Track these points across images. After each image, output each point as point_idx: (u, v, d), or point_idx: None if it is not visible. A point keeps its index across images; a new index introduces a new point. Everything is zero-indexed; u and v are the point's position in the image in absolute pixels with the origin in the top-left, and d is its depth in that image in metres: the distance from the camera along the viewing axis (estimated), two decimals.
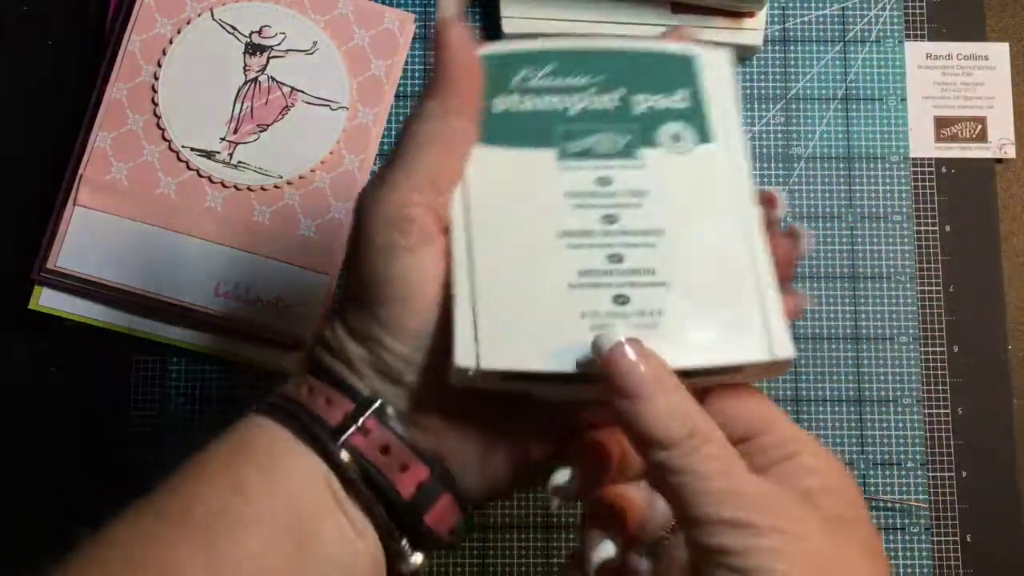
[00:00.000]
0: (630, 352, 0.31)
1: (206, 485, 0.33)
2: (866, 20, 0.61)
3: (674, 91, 0.37)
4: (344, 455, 0.33)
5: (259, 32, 0.58)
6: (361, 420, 0.33)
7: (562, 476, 0.34)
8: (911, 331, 0.57)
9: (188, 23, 0.57)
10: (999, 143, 0.59)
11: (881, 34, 0.61)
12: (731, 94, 0.38)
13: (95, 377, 0.57)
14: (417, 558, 0.34)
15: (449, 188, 0.34)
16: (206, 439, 0.35)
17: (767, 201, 0.36)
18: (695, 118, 0.37)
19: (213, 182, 0.56)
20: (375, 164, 0.58)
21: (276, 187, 0.56)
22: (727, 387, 0.33)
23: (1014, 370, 0.57)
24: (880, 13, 0.61)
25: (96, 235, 0.55)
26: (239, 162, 0.56)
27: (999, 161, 0.60)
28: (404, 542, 0.34)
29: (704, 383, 0.33)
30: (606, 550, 0.35)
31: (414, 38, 0.60)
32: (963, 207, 0.59)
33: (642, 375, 0.31)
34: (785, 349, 0.33)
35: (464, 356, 0.32)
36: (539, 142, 0.36)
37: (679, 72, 0.38)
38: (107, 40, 0.58)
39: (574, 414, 0.36)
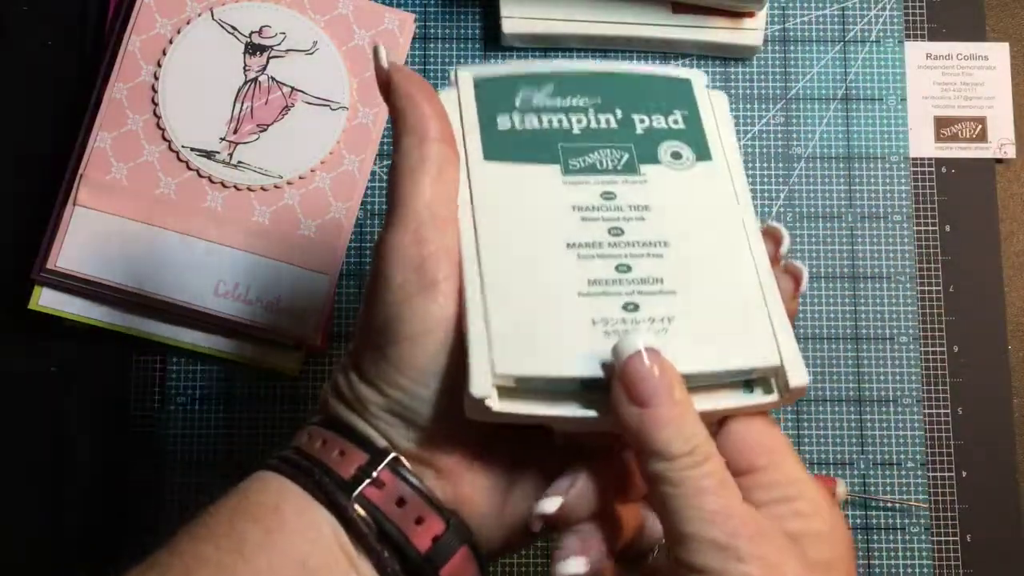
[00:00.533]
0: (647, 359, 0.31)
1: (210, 546, 0.32)
2: (866, 20, 0.61)
3: (672, 111, 0.38)
4: (358, 509, 0.33)
5: (259, 32, 0.58)
6: (375, 472, 0.33)
7: (551, 504, 0.33)
8: (911, 331, 0.57)
9: (188, 23, 0.57)
10: (999, 143, 0.59)
11: (881, 34, 0.61)
12: (725, 115, 0.39)
13: (95, 377, 0.57)
14: None
15: (451, 214, 0.35)
16: (210, 488, 0.35)
17: (771, 237, 0.37)
18: (693, 137, 0.38)
19: (213, 182, 0.56)
20: (375, 164, 0.58)
21: (276, 187, 0.56)
22: (744, 415, 0.34)
23: (1014, 370, 0.57)
24: (880, 13, 0.61)
25: (96, 235, 0.55)
26: (239, 162, 0.56)
27: (999, 161, 0.60)
28: None
29: (719, 411, 0.33)
30: (575, 567, 0.33)
31: (414, 38, 0.60)
32: (963, 207, 0.59)
33: (656, 384, 0.31)
34: (798, 375, 0.33)
35: (479, 386, 0.32)
36: (544, 158, 0.36)
37: (676, 94, 0.39)
38: (107, 40, 0.58)
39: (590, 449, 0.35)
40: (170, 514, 0.55)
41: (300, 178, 0.57)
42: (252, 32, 0.58)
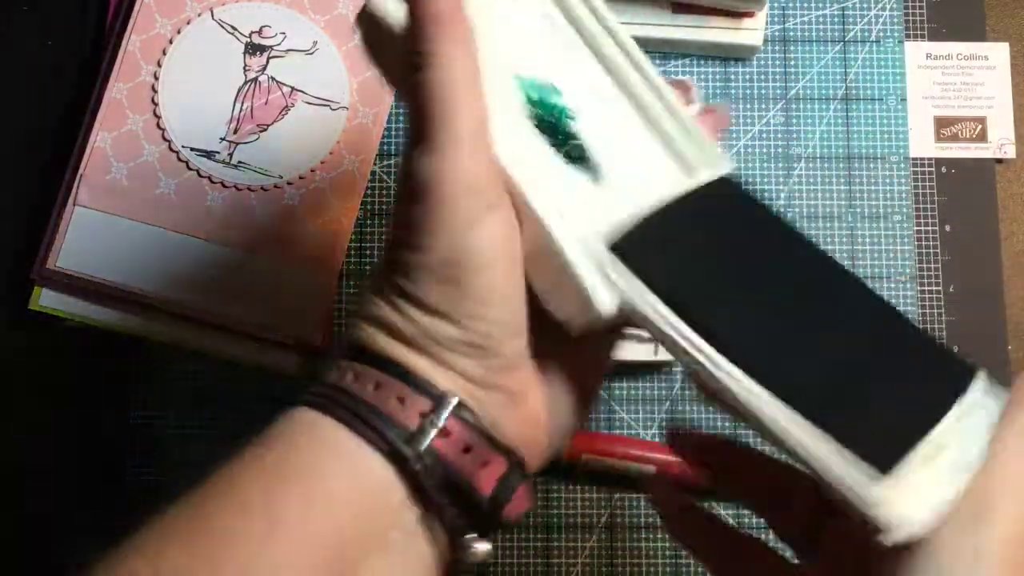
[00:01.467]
0: None
1: (241, 517, 0.30)
2: (866, 20, 0.61)
3: None
4: (425, 461, 0.31)
5: (259, 32, 0.58)
6: (442, 422, 0.31)
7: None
8: None
9: (188, 23, 0.57)
10: (999, 143, 0.59)
11: (881, 34, 0.61)
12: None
13: (95, 377, 0.57)
14: (485, 546, 0.32)
15: (488, 130, 0.32)
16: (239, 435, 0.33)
17: (681, 87, 0.37)
18: None
19: (213, 182, 0.56)
20: (375, 164, 0.58)
21: (276, 187, 0.56)
22: None
23: (1014, 370, 0.57)
24: (880, 13, 0.61)
25: (96, 235, 0.55)
26: (239, 162, 0.56)
27: (999, 161, 0.60)
28: (473, 535, 0.32)
29: None
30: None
31: None
32: (963, 207, 0.59)
33: None
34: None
35: (603, 301, 0.31)
36: None
37: None
38: (107, 40, 0.58)
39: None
40: None
41: (300, 178, 0.57)
42: (252, 32, 0.58)
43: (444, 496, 0.31)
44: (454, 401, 0.31)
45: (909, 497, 0.30)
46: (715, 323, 0.32)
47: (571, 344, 0.33)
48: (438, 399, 0.31)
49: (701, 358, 0.31)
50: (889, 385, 0.33)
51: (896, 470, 0.30)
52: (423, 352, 0.32)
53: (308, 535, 0.30)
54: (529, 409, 0.33)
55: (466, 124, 0.31)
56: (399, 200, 0.32)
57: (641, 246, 0.33)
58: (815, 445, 0.30)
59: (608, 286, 0.32)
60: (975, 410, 0.32)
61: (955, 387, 0.33)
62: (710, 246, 0.35)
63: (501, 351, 0.32)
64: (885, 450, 0.30)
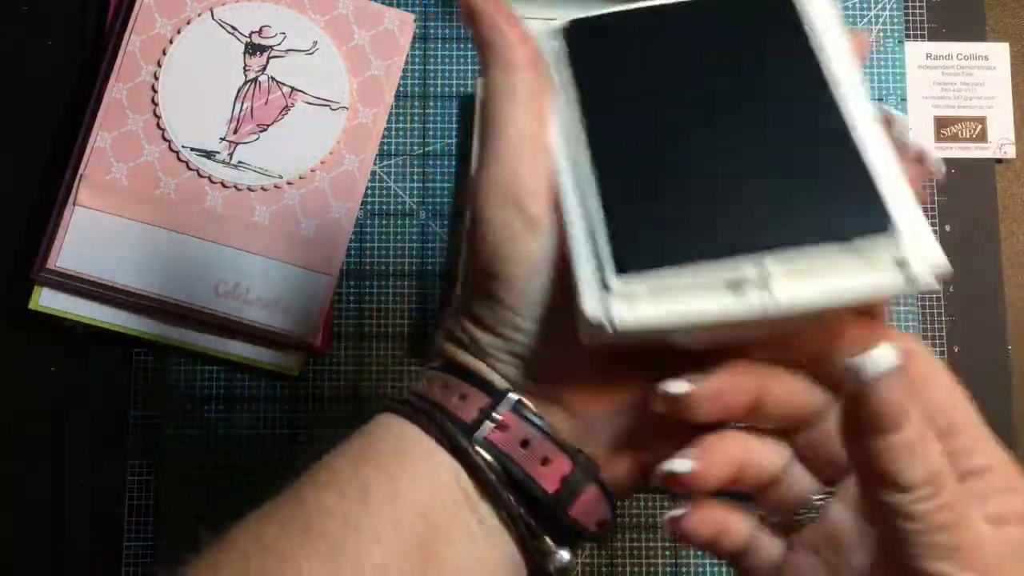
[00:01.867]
0: (897, 382, 0.27)
1: (332, 494, 0.32)
2: (866, 20, 0.61)
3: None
4: (482, 453, 0.32)
5: (259, 32, 0.58)
6: (497, 414, 0.32)
7: (679, 386, 0.31)
8: (911, 331, 0.57)
9: (188, 23, 0.57)
10: (999, 143, 0.59)
11: (881, 34, 0.61)
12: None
13: (95, 377, 0.57)
14: (564, 555, 0.33)
15: (543, 143, 0.33)
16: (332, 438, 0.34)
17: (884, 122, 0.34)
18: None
19: (213, 182, 0.56)
20: (375, 164, 0.58)
21: (276, 187, 0.56)
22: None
23: (1014, 370, 0.57)
24: (880, 13, 0.61)
25: (96, 235, 0.55)
26: (239, 162, 0.56)
27: (999, 161, 0.60)
28: (548, 540, 0.33)
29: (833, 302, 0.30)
30: (681, 465, 0.32)
31: (414, 38, 0.60)
32: (963, 207, 0.59)
33: (902, 407, 0.27)
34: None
35: (592, 305, 0.30)
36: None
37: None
38: (107, 40, 0.58)
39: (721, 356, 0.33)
40: (170, 513, 0.55)
41: (300, 178, 0.57)
42: (252, 32, 0.58)
43: (508, 491, 0.32)
44: (511, 396, 0.33)
45: (616, 306, 0.30)
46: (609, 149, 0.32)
47: (628, 363, 0.33)
48: (495, 395, 0.33)
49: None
50: (735, 199, 0.31)
51: (637, 276, 0.30)
52: (482, 359, 0.33)
53: (395, 516, 0.31)
54: (585, 422, 0.33)
55: (515, 144, 0.32)
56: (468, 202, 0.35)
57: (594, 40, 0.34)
58: (577, 222, 0.31)
59: (600, 297, 0.30)
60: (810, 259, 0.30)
61: (839, 230, 0.31)
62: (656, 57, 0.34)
63: (542, 362, 0.33)
64: (644, 255, 0.30)
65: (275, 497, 0.33)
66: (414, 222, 0.58)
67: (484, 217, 0.32)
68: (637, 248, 0.30)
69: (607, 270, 0.30)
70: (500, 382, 0.33)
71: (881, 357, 0.27)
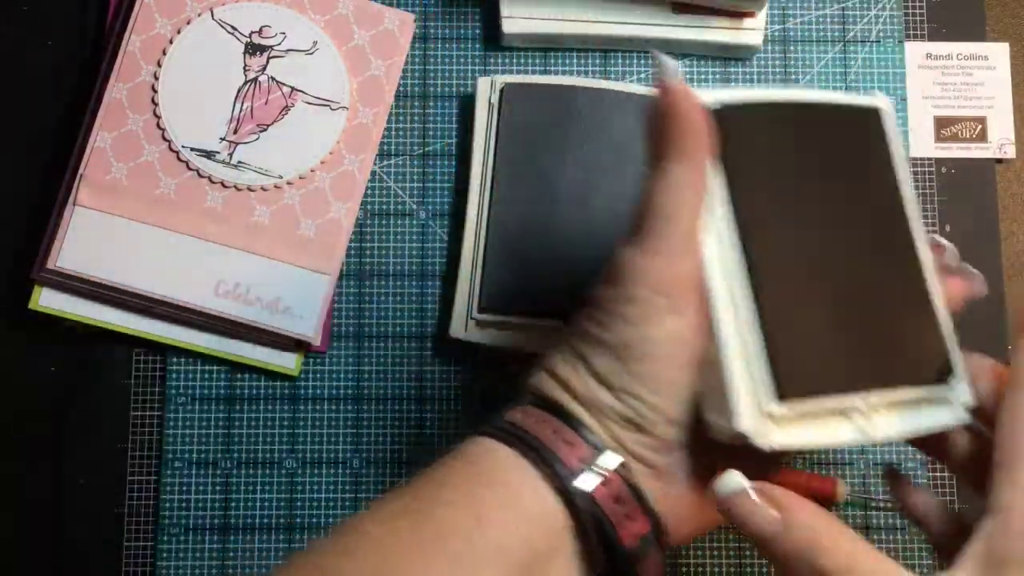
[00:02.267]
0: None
1: (450, 509, 0.34)
2: (866, 20, 0.61)
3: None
4: (583, 500, 0.35)
5: (259, 32, 0.58)
6: (602, 471, 0.35)
7: (733, 482, 0.35)
8: None
9: (188, 23, 0.57)
10: (999, 143, 0.59)
11: (881, 34, 0.61)
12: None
13: (95, 377, 0.57)
14: None
15: (698, 236, 0.36)
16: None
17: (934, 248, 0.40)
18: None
19: (213, 182, 0.56)
20: (375, 164, 0.58)
21: (276, 187, 0.56)
22: None
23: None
24: (880, 13, 0.61)
25: (96, 235, 0.55)
26: (239, 162, 0.56)
27: (999, 161, 0.60)
28: None
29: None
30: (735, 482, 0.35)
31: (414, 38, 0.60)
32: (963, 207, 0.59)
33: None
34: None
35: (747, 420, 0.35)
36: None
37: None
38: (107, 40, 0.58)
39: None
40: (170, 514, 0.55)
41: (300, 178, 0.57)
42: (252, 32, 0.58)
43: (594, 537, 0.35)
44: (617, 455, 0.36)
45: (766, 424, 0.35)
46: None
47: (730, 450, 0.37)
48: (600, 450, 0.36)
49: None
50: (859, 339, 0.38)
51: (790, 403, 0.36)
52: (589, 410, 0.36)
53: (507, 536, 0.34)
54: (673, 492, 0.37)
55: (678, 237, 0.36)
56: (603, 274, 0.37)
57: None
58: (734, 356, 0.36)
59: (757, 410, 0.36)
60: (916, 404, 0.39)
61: (921, 375, 0.39)
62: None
63: (653, 432, 0.36)
64: (798, 385, 0.36)
65: (398, 497, 0.35)
66: (414, 222, 0.58)
67: (635, 296, 0.35)
68: (791, 379, 0.36)
69: (765, 393, 0.35)
70: (607, 440, 0.36)
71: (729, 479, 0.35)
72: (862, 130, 0.42)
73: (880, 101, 0.42)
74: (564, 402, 0.37)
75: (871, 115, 0.42)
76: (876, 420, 0.38)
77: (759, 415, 0.35)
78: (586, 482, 0.35)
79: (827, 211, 0.39)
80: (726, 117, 0.38)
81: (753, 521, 0.34)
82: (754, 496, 0.34)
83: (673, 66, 0.37)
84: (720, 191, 0.37)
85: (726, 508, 0.34)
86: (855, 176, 0.41)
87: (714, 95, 0.38)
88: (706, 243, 0.36)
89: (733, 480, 0.35)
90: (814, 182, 0.39)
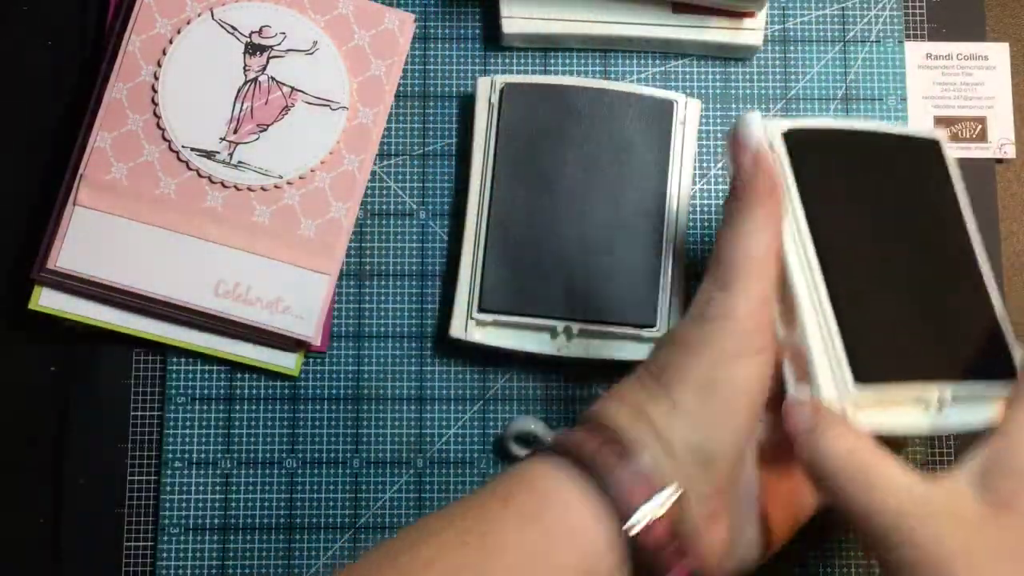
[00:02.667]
0: None
1: (514, 533, 0.35)
2: (866, 20, 0.61)
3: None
4: (638, 534, 0.36)
5: (259, 32, 0.58)
6: (666, 507, 0.36)
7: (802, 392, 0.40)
8: None
9: (188, 23, 0.57)
10: (999, 143, 0.59)
11: (881, 34, 0.61)
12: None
13: (95, 377, 0.57)
14: None
15: (773, 288, 0.40)
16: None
17: None
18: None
19: (213, 182, 0.56)
20: (375, 164, 0.58)
21: (276, 187, 0.56)
22: None
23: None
24: (880, 13, 0.61)
25: (96, 235, 0.55)
26: (239, 162, 0.56)
27: (999, 161, 0.60)
28: None
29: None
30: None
31: (414, 38, 0.60)
32: None
33: None
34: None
35: (830, 400, 0.40)
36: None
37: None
38: (107, 40, 0.58)
39: None
40: (170, 514, 0.55)
41: (300, 178, 0.57)
42: (252, 32, 0.58)
43: (645, 569, 0.36)
44: (679, 491, 0.36)
45: (848, 403, 0.39)
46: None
47: (776, 495, 0.40)
48: (664, 484, 0.36)
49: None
50: (933, 332, 0.42)
51: (870, 386, 0.40)
52: (659, 439, 0.37)
53: (565, 556, 0.35)
54: (718, 531, 0.38)
55: (764, 281, 0.39)
56: (690, 312, 0.40)
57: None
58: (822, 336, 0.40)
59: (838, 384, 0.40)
60: (979, 399, 0.42)
61: (988, 371, 0.42)
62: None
63: (721, 469, 0.37)
64: (873, 370, 0.40)
65: (460, 511, 0.36)
66: (414, 222, 0.58)
67: (715, 340, 0.38)
68: (868, 364, 0.40)
69: (843, 376, 0.40)
70: (669, 472, 0.37)
71: None
72: (923, 158, 0.47)
73: (939, 134, 0.48)
74: (634, 430, 0.38)
75: (932, 146, 0.47)
76: (948, 411, 0.41)
77: (842, 394, 0.40)
78: (644, 514, 0.36)
79: (893, 226, 0.44)
80: (800, 141, 0.43)
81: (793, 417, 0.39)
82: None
83: (757, 127, 0.42)
84: (795, 207, 0.42)
85: (786, 408, 0.39)
86: (917, 198, 0.46)
87: (783, 123, 0.44)
88: (788, 251, 0.41)
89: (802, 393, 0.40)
90: (880, 201, 0.44)
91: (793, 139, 0.43)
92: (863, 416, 0.39)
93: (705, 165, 0.59)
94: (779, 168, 0.42)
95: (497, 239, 0.55)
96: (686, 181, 0.56)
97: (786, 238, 0.41)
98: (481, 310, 0.54)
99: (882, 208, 0.44)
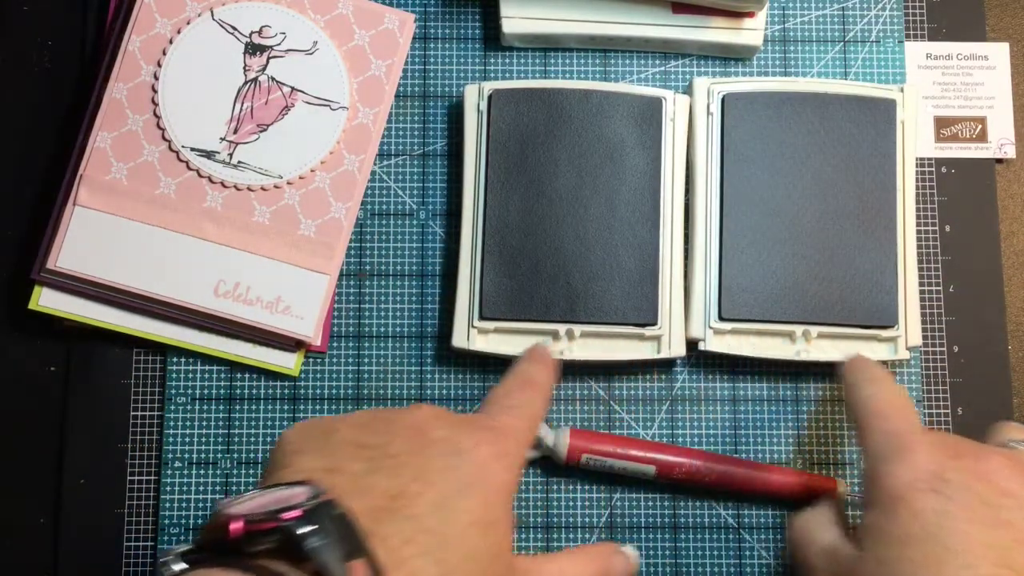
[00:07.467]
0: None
1: None
2: (866, 20, 0.61)
3: None
4: None
5: (259, 32, 0.58)
6: None
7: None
8: None
9: (188, 23, 0.57)
10: (999, 143, 0.59)
11: (881, 34, 0.61)
12: None
13: (95, 377, 0.57)
14: None
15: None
16: None
17: None
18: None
19: (213, 182, 0.56)
20: (375, 164, 0.58)
21: (276, 187, 0.56)
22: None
23: (1014, 370, 0.57)
24: (880, 13, 0.61)
25: (96, 235, 0.55)
26: (239, 162, 0.56)
27: (999, 161, 0.60)
28: None
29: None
30: None
31: (414, 38, 0.60)
32: (963, 207, 0.59)
33: None
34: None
35: (697, 332, 0.55)
36: None
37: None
38: (107, 40, 0.58)
39: None
40: (170, 513, 0.55)
41: (300, 178, 0.57)
42: (252, 32, 0.58)
43: None
44: None
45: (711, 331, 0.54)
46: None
47: None
48: None
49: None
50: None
51: (729, 322, 0.54)
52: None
53: None
54: None
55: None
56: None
57: None
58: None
59: None
60: None
61: (863, 318, 0.55)
62: None
63: None
64: (738, 310, 0.54)
65: None
66: (414, 222, 0.58)
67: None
68: (733, 306, 0.54)
69: (712, 312, 0.54)
70: None
71: None
72: (878, 118, 0.55)
73: (896, 94, 0.56)
74: None
75: (888, 106, 0.55)
76: (814, 344, 0.54)
77: (706, 328, 0.54)
78: None
79: (813, 183, 0.55)
80: (737, 103, 0.55)
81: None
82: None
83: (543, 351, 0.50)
84: (712, 166, 0.55)
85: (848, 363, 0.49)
86: (853, 157, 0.55)
87: (724, 86, 0.54)
88: (697, 204, 0.54)
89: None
90: (810, 156, 0.55)
91: (729, 102, 0.55)
92: (717, 342, 0.54)
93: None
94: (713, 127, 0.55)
95: (494, 245, 0.55)
96: (679, 177, 0.56)
97: (698, 193, 0.54)
98: (482, 318, 0.55)
99: (809, 166, 0.55)
